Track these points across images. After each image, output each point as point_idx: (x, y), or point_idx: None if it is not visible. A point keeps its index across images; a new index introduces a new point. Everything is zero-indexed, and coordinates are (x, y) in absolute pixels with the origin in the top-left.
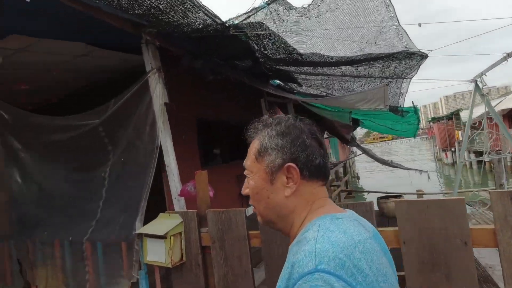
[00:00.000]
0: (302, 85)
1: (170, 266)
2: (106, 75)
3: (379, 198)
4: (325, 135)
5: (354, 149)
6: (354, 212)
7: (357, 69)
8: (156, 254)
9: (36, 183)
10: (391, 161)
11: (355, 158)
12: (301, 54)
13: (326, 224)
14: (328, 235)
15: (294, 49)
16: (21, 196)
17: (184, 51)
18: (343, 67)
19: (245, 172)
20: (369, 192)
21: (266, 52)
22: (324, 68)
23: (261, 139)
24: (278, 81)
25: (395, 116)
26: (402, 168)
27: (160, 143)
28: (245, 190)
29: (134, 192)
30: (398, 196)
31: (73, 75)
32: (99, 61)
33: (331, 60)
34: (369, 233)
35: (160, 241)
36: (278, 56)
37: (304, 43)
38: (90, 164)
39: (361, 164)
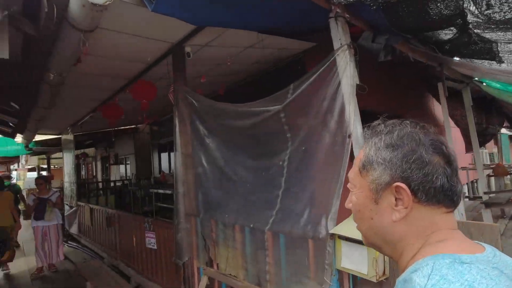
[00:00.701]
0: (503, 61)
1: (374, 280)
2: (264, 66)
3: None
4: (504, 129)
5: None
6: (497, 252)
7: None
8: (354, 262)
9: (218, 167)
10: None
11: None
12: None
13: (442, 270)
14: (443, 287)
15: None
16: (206, 178)
17: (368, 26)
18: None
19: (348, 185)
20: None
21: (488, 12)
22: None
23: (366, 150)
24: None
25: None
26: None
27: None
28: (348, 204)
29: (321, 185)
30: None
31: (238, 68)
32: (260, 52)
33: None
34: None
35: (361, 248)
36: (507, 16)
37: None
38: (268, 151)
39: None
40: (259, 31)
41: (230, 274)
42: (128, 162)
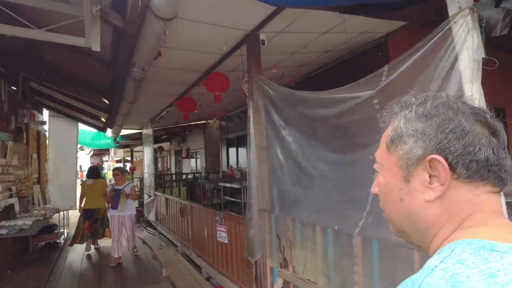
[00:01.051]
0: None
1: None
2: (337, 54)
3: None
4: None
5: None
6: None
7: None
8: None
9: (295, 161)
10: None
11: None
12: None
13: (463, 254)
14: (454, 271)
15: None
16: (281, 173)
17: None
18: None
19: (375, 166)
20: None
21: None
22: None
23: (395, 123)
24: None
25: None
26: None
27: None
28: (374, 189)
29: None
30: None
31: (311, 57)
32: (338, 37)
33: None
34: None
35: None
36: None
37: None
38: (355, 143)
39: None
40: (341, 10)
41: (309, 280)
42: (198, 156)
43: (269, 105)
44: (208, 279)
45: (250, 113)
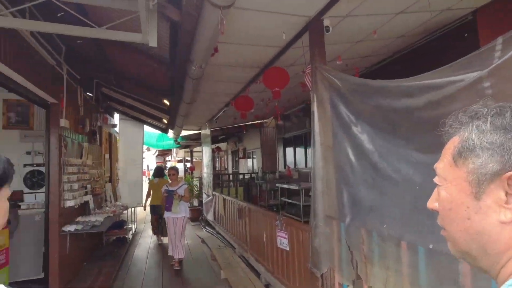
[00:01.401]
0: None
1: None
2: (410, 40)
3: None
4: None
5: None
6: None
7: None
8: None
9: (370, 162)
10: None
11: None
12: None
13: None
14: None
15: None
16: (353, 175)
17: None
18: None
19: (435, 179)
20: None
21: None
22: None
23: (464, 135)
24: None
25: None
26: None
27: None
28: (432, 203)
29: None
30: None
31: (379, 45)
32: (414, 19)
33: None
34: None
35: None
36: None
37: None
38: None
39: None
40: None
41: None
42: (255, 156)
43: (336, 98)
44: (267, 286)
45: (314, 108)
